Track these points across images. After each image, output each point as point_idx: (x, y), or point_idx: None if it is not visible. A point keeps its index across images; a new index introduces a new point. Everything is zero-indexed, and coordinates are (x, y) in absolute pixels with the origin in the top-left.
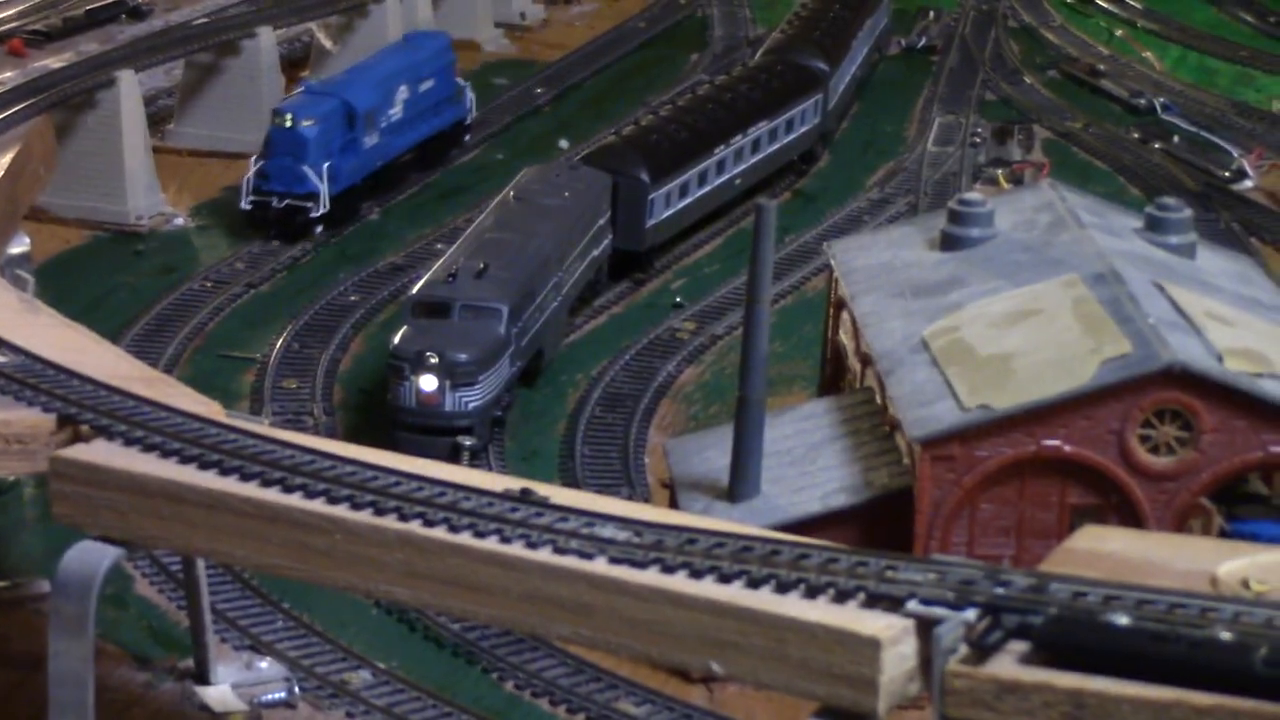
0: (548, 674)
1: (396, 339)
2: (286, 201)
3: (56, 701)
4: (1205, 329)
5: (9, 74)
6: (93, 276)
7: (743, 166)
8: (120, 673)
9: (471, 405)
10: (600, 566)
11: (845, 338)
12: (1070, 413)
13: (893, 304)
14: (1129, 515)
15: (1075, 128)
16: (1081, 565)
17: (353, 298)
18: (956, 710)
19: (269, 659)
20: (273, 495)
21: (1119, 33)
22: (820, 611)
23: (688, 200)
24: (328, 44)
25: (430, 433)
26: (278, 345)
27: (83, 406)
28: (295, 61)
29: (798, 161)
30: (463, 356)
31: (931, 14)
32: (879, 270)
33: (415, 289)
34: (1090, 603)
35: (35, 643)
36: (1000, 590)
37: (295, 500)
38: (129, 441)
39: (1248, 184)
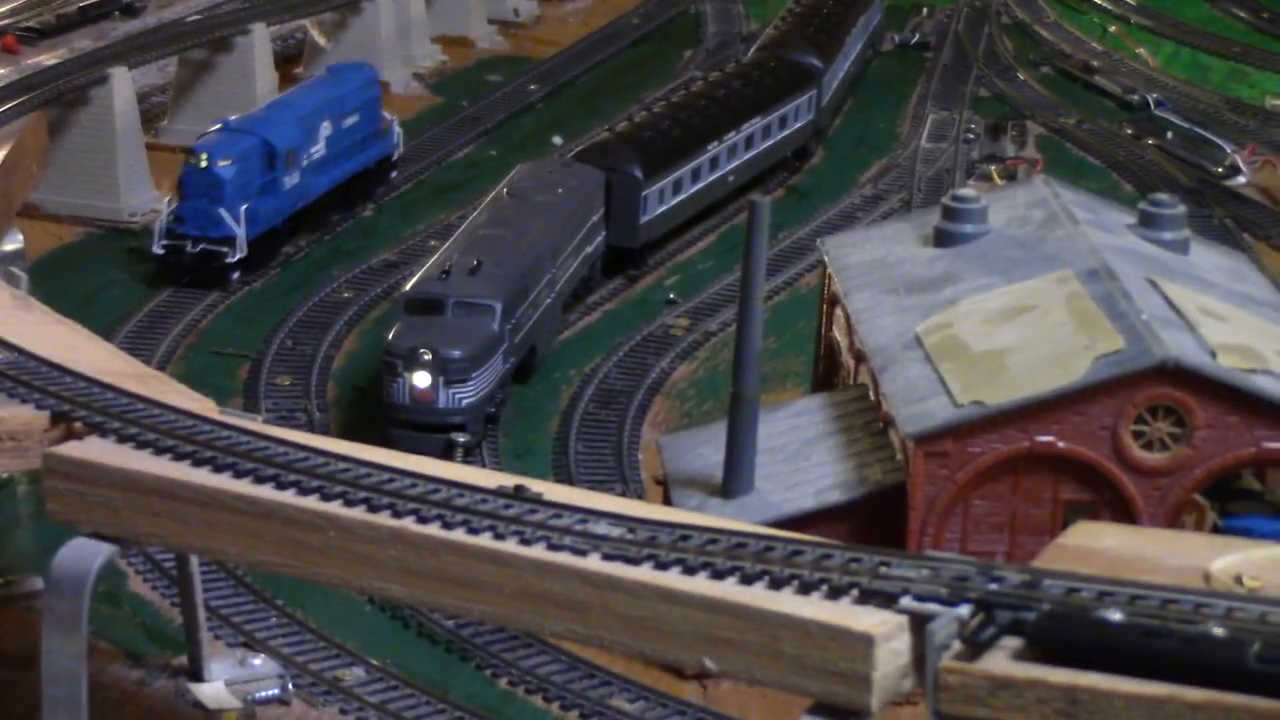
0: (541, 671)
1: (390, 336)
2: (201, 246)
3: (50, 699)
4: (1198, 325)
5: (2, 71)
6: (86, 273)
7: (736, 163)
8: (114, 670)
9: (465, 402)
10: (594, 563)
11: (839, 334)
12: (1063, 409)
13: (886, 300)
14: (1122, 511)
15: (1069, 124)
16: (1075, 561)
17: (346, 294)
18: (950, 706)
19: (263, 656)
20: (266, 492)
21: (1112, 29)
22: (814, 608)
23: (681, 196)
24: (321, 41)
25: (424, 429)
26: (271, 342)
27: (76, 403)
28: (289, 58)
29: (791, 158)
30: (456, 353)
31: (925, 10)
32: (872, 266)
33: (409, 286)
34: (1083, 599)
35: (28, 640)
36: (993, 586)
37: (289, 497)
38: (122, 438)
39: (1241, 180)
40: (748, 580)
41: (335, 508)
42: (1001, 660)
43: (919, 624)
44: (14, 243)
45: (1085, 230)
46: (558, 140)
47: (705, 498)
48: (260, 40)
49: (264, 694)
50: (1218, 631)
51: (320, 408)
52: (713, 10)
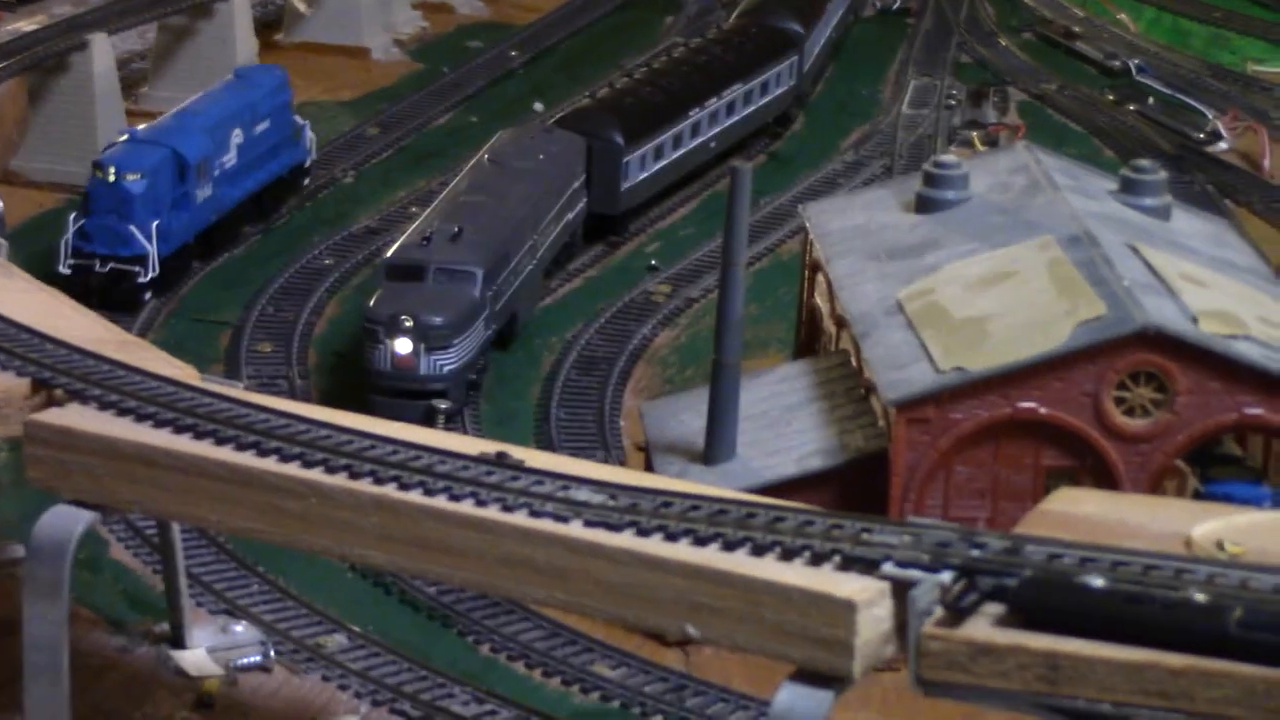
0: (523, 637)
1: (371, 302)
2: (111, 265)
3: (31, 666)
4: (1180, 291)
5: None
6: None
7: (717, 129)
8: (95, 637)
9: (446, 368)
10: (576, 530)
11: (820, 300)
12: (1045, 375)
13: (868, 266)
14: (1104, 477)
15: (1050, 90)
16: (1056, 527)
17: (327, 261)
18: (932, 673)
19: (244, 623)
20: (247, 459)
21: None
22: (796, 574)
23: (662, 163)
24: (301, 7)
25: (405, 396)
26: (252, 309)
27: (57, 371)
28: (268, 24)
29: (772, 124)
30: (437, 320)
31: None
32: (854, 233)
33: (390, 252)
34: (1065, 565)
35: (9, 607)
36: (975, 552)
37: (270, 464)
38: (103, 405)
39: (1222, 146)
40: (729, 547)
41: (317, 474)
42: (983, 626)
43: (901, 590)
44: None
45: (1067, 196)
46: (539, 107)
47: (687, 464)
48: (240, 6)
49: (246, 661)
50: (1199, 597)
51: (301, 374)
52: None
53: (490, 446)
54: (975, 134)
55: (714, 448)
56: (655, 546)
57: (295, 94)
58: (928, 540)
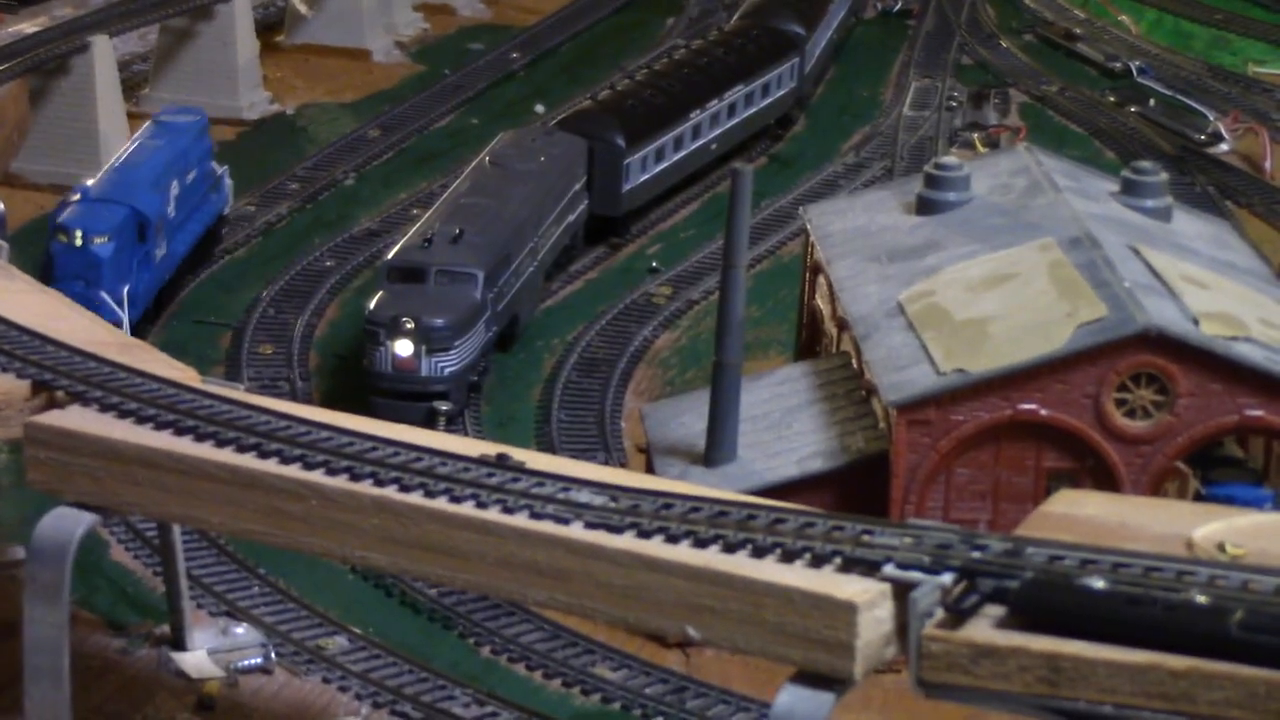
0: (524, 639)
1: (372, 304)
2: None
3: (32, 668)
4: (1181, 292)
5: None
6: None
7: (718, 131)
8: (95, 639)
9: (447, 370)
10: (576, 531)
11: (821, 302)
12: (1046, 377)
13: (869, 268)
14: (1105, 479)
15: (1051, 91)
16: (1057, 529)
17: (328, 263)
18: (933, 674)
19: (245, 625)
20: (248, 461)
21: None
22: (796, 576)
23: (663, 165)
24: (302, 8)
25: (406, 398)
26: (253, 311)
27: (58, 372)
28: (269, 26)
29: (774, 126)
30: (438, 322)
31: None
32: (855, 234)
33: (391, 254)
34: (1066, 566)
35: (10, 609)
36: (976, 554)
37: (270, 466)
38: (104, 407)
39: (1223, 147)
40: (730, 548)
41: (318, 476)
42: (984, 628)
43: (902, 592)
44: None
45: (1068, 198)
46: (540, 108)
47: (688, 466)
48: (241, 8)
49: (246, 663)
50: (1200, 599)
51: (302, 376)
52: None
53: (491, 448)
54: (976, 136)
55: (715, 449)
56: (656, 548)
57: (298, 95)
58: (929, 542)
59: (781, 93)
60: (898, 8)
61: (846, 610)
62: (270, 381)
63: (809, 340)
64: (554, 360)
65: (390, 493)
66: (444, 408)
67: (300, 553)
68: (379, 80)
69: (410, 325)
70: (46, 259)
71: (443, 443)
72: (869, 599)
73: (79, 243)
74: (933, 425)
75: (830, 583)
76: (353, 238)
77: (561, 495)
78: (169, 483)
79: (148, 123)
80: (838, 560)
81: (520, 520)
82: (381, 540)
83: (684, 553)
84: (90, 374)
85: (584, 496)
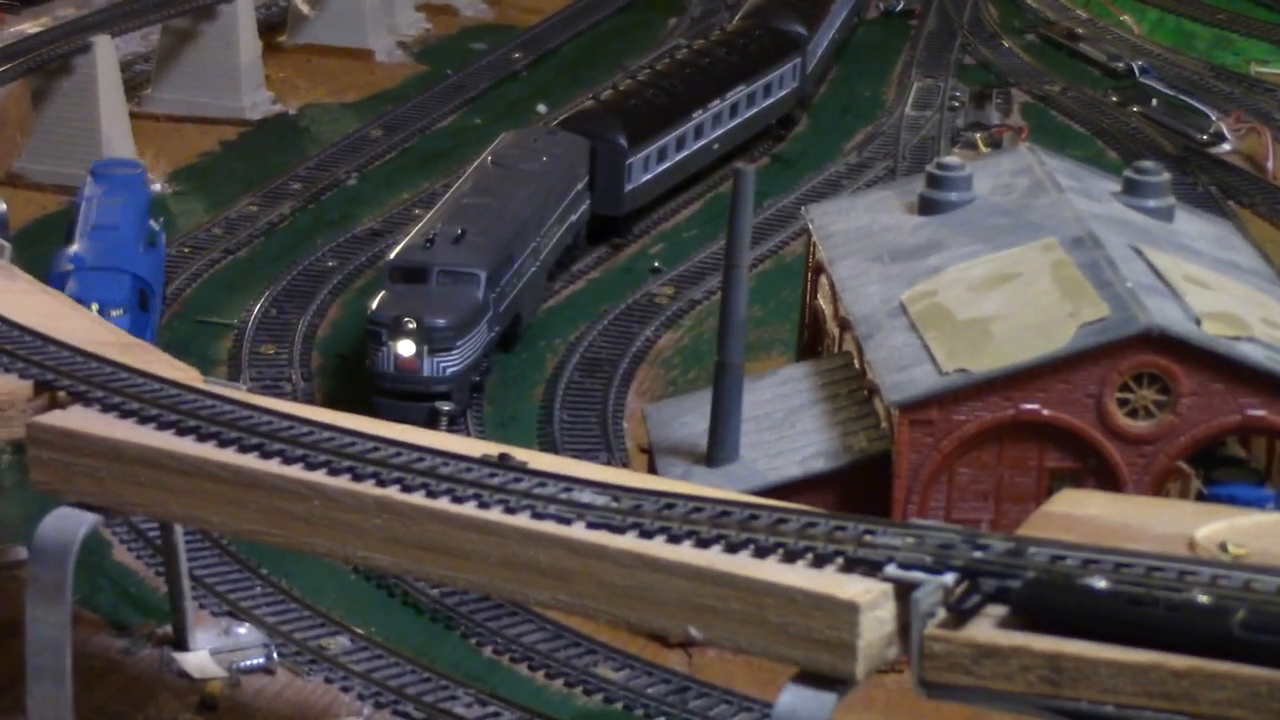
0: (526, 639)
1: (374, 304)
2: None
3: (34, 668)
4: (1183, 292)
5: None
6: None
7: (721, 131)
8: (98, 639)
9: (449, 370)
10: (579, 531)
11: (823, 302)
12: (1048, 377)
13: (871, 268)
14: (1107, 479)
15: (1053, 91)
16: (1059, 529)
17: (330, 263)
18: (935, 674)
19: (247, 625)
20: (250, 461)
21: None
22: (798, 576)
23: (666, 165)
24: (304, 8)
25: (408, 398)
26: (255, 311)
27: (60, 373)
28: (272, 26)
29: (776, 126)
30: (440, 322)
31: None
32: (857, 234)
33: (393, 254)
34: (1068, 566)
35: (13, 610)
36: (978, 554)
37: (273, 466)
38: (106, 408)
39: (1226, 147)
40: (732, 548)
41: (319, 477)
42: (986, 628)
43: (904, 592)
44: None
45: (1070, 198)
46: (542, 108)
47: (690, 466)
48: (244, 8)
49: (249, 663)
50: (1203, 599)
51: (305, 377)
52: None
53: (493, 448)
54: (978, 136)
55: (717, 449)
56: (658, 548)
57: (300, 95)
58: (931, 542)
59: (784, 93)
60: (900, 7)
61: (849, 610)
62: (272, 382)
63: (811, 340)
64: (556, 360)
65: (393, 493)
66: (446, 408)
67: (303, 553)
68: (381, 80)
69: (412, 325)
70: None
71: (445, 443)
72: (871, 599)
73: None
74: (935, 425)
75: (832, 583)
76: (355, 238)
77: (564, 495)
78: (171, 483)
79: (89, 177)
80: (840, 560)
81: (522, 520)
82: (384, 540)
83: (686, 553)
84: (92, 374)
85: (586, 497)
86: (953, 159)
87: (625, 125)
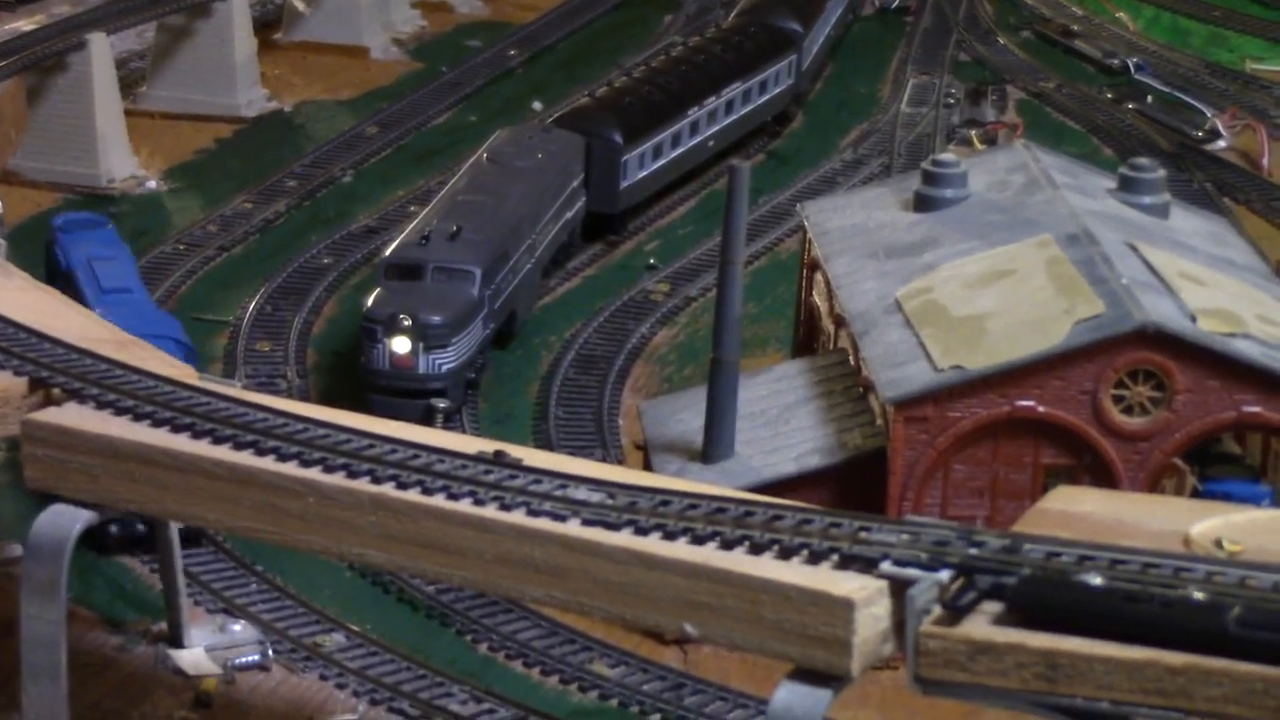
0: (521, 636)
1: (369, 301)
2: None
3: (29, 665)
4: (1179, 289)
5: None
6: None
7: (716, 128)
8: (93, 636)
9: (445, 367)
10: (574, 528)
11: (819, 299)
12: (1043, 373)
13: (866, 265)
14: (1102, 476)
15: (1049, 88)
16: (1055, 526)
17: (326, 260)
18: (930, 671)
19: (242, 622)
20: (245, 458)
21: None
22: (794, 573)
23: (661, 162)
24: (300, 5)
25: (403, 395)
26: (251, 308)
27: (54, 370)
28: (267, 23)
29: (771, 123)
30: (436, 319)
31: None
32: (853, 231)
33: (388, 251)
34: (1064, 563)
35: (8, 607)
36: (974, 551)
37: (268, 463)
38: (101, 405)
39: (1221, 144)
40: (728, 545)
41: (315, 474)
42: (982, 625)
43: (899, 589)
44: None
45: (1065, 194)
46: (537, 106)
47: (685, 463)
48: (239, 5)
49: (244, 660)
50: (1198, 596)
51: (300, 373)
52: None
53: (488, 445)
54: (974, 132)
55: (712, 446)
56: (653, 545)
57: (295, 92)
58: (926, 539)
59: (779, 89)
60: (895, 4)
61: (844, 607)
62: (267, 379)
63: (806, 337)
64: (551, 357)
65: (387, 490)
66: (441, 405)
67: (298, 550)
68: (377, 77)
69: (408, 322)
70: None
71: (440, 440)
72: (866, 596)
73: None
74: (930, 422)
75: (827, 580)
76: (350, 235)
77: (559, 492)
78: (166, 480)
79: (60, 234)
80: (835, 557)
81: (517, 517)
82: (379, 537)
83: (681, 549)
84: (87, 371)
85: (581, 493)
86: (948, 156)
87: (620, 122)
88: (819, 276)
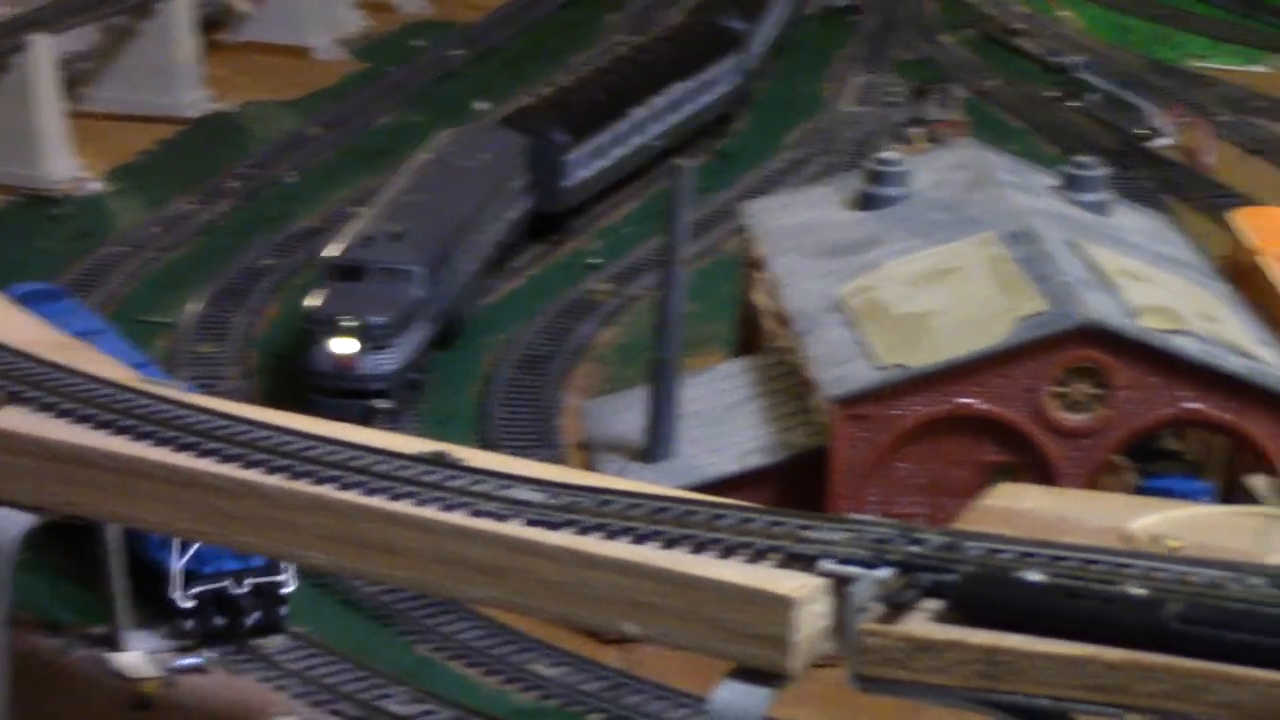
0: (462, 636)
1: (312, 302)
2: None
3: None
4: (1120, 287)
5: None
6: (7, 241)
7: (661, 127)
8: (33, 639)
9: (387, 368)
10: (515, 529)
11: (762, 298)
12: (985, 371)
13: (809, 264)
14: (1043, 472)
15: (992, 87)
16: (996, 523)
17: (268, 261)
18: (870, 669)
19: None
20: (187, 460)
21: None
22: (735, 571)
23: (605, 161)
24: (243, 5)
25: (346, 396)
26: (193, 310)
27: None
28: (212, 24)
29: (716, 122)
30: (378, 319)
31: None
32: (796, 230)
33: (331, 252)
34: (1004, 560)
35: None
36: (915, 548)
37: (209, 465)
38: (41, 407)
39: (1163, 141)
40: (669, 544)
41: (256, 475)
42: (922, 622)
43: (840, 587)
44: None
45: (1008, 193)
46: (482, 105)
47: (627, 462)
48: (182, 6)
49: (183, 662)
50: (1138, 592)
51: (242, 375)
52: None
53: (430, 446)
54: (918, 131)
55: (654, 445)
56: (594, 545)
57: (239, 93)
58: (867, 537)
59: (724, 89)
60: (841, 4)
61: (784, 605)
62: (210, 380)
63: (749, 336)
64: (494, 357)
65: (329, 490)
66: (383, 405)
67: (239, 551)
68: (321, 77)
69: (350, 323)
70: None
71: (382, 440)
72: (807, 594)
73: None
74: (872, 420)
75: (768, 578)
76: (293, 236)
77: (500, 492)
78: (106, 482)
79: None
80: (776, 556)
81: (459, 518)
82: (320, 538)
83: (622, 549)
84: (27, 374)
85: (523, 493)
86: (891, 154)
87: (564, 122)
88: (762, 275)
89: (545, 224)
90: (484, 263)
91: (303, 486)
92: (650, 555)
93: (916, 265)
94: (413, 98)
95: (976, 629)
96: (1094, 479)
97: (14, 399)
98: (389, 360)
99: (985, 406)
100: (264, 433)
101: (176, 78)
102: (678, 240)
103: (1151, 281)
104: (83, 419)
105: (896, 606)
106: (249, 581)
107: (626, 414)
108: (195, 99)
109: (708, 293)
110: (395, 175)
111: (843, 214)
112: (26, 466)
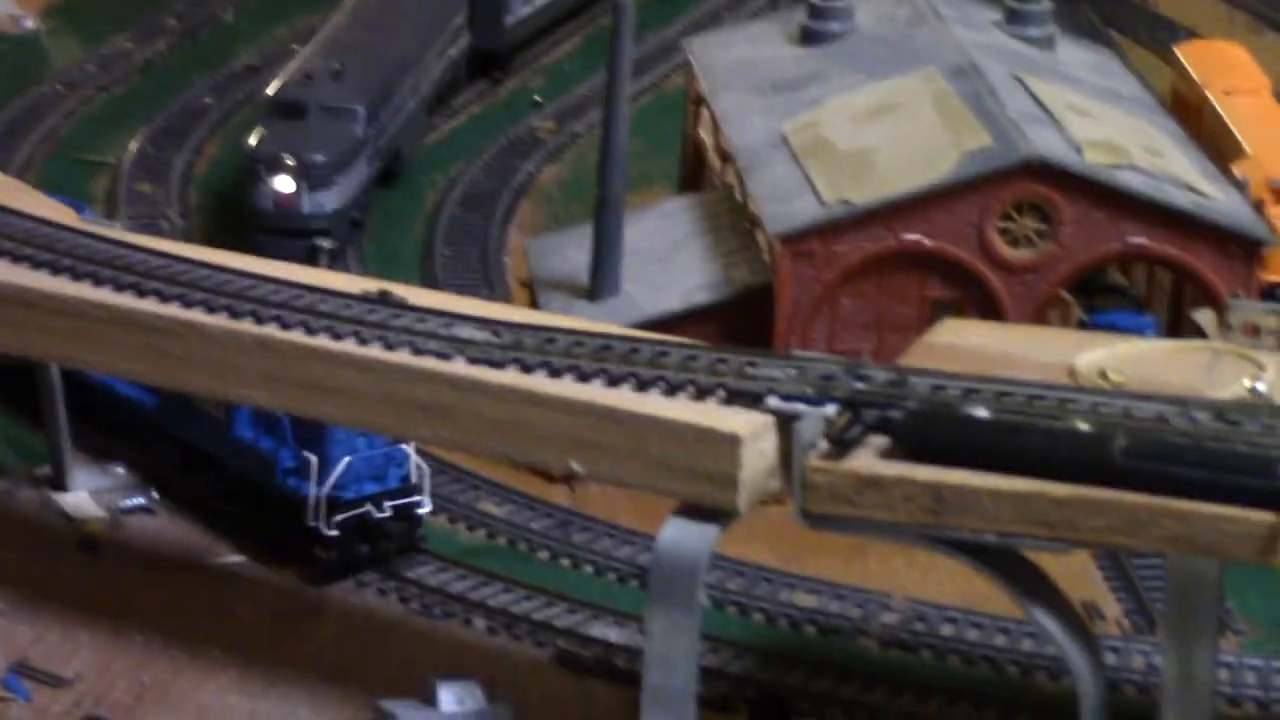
0: None
1: (252, 141)
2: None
3: None
4: (1065, 122)
5: None
6: None
7: None
8: None
9: (329, 207)
10: (459, 367)
11: (705, 134)
12: (930, 207)
13: (752, 100)
14: (988, 308)
15: None
16: (941, 359)
17: (207, 100)
18: (817, 505)
19: (126, 465)
20: (127, 300)
21: None
22: (680, 409)
23: None
24: None
25: (287, 235)
26: (132, 149)
27: None
28: None
29: None
30: (319, 158)
31: None
32: (738, 66)
33: (271, 90)
34: (949, 396)
35: None
36: (860, 385)
37: (150, 305)
38: None
39: None
40: (614, 382)
41: (197, 315)
42: (868, 459)
43: (785, 424)
44: None
45: (951, 27)
46: None
47: (572, 300)
48: None
49: (129, 503)
50: (1084, 427)
51: (182, 214)
52: None
53: (373, 285)
54: None
55: (599, 283)
56: (539, 383)
57: None
58: (812, 373)
59: None
60: None
61: (730, 443)
62: (149, 220)
63: (693, 173)
64: (437, 196)
65: (271, 330)
66: (326, 244)
67: (181, 391)
68: None
69: (291, 161)
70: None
71: (324, 280)
72: (752, 431)
73: None
74: (816, 256)
75: (714, 415)
76: (232, 74)
77: (444, 331)
78: (47, 323)
79: None
80: (721, 393)
81: (402, 357)
82: (262, 378)
83: (567, 387)
84: None
85: (466, 332)
86: None
87: None
88: (705, 112)
89: (487, 61)
90: (425, 100)
91: (245, 326)
92: (595, 393)
93: (860, 101)
94: None
95: (922, 465)
96: (1039, 314)
97: None
98: (331, 199)
99: (930, 243)
100: (205, 272)
101: None
102: (619, 77)
103: (1097, 117)
104: (21, 259)
105: (843, 443)
106: (388, 505)
107: (571, 251)
108: None
109: (651, 129)
110: (335, 12)
111: (785, 49)
112: None
